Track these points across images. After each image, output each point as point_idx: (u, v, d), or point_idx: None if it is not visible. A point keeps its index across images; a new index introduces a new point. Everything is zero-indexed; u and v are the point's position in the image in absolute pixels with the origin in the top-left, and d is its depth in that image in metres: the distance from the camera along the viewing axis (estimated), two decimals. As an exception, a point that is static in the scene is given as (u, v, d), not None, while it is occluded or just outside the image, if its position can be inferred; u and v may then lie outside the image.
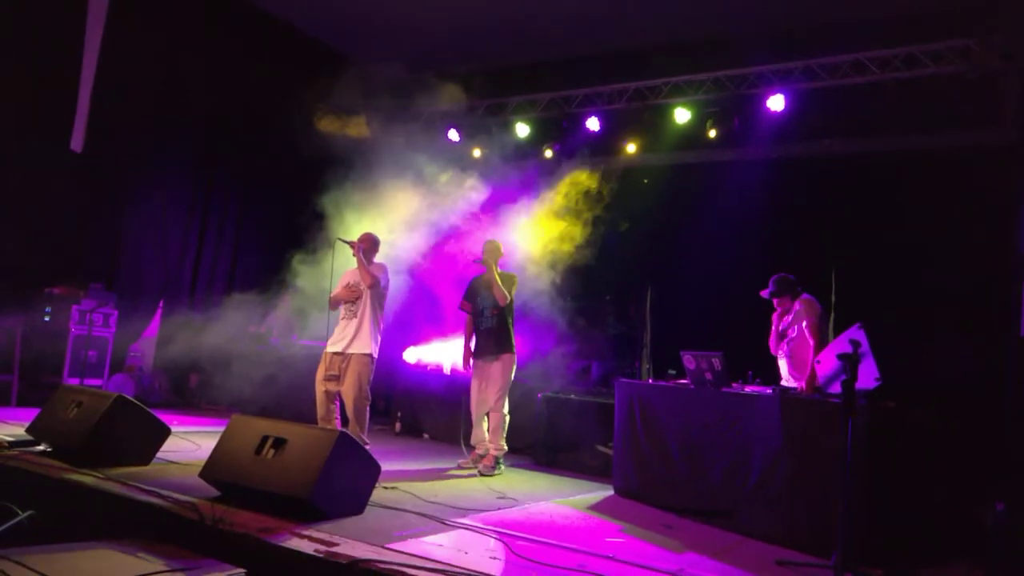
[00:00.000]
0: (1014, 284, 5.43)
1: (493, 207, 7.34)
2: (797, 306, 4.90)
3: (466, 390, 5.84)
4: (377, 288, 5.36)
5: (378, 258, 5.65)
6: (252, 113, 8.63)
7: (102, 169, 7.48)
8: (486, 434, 5.66)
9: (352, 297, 5.37)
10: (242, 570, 2.91)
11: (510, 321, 5.74)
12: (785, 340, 4.97)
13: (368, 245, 5.54)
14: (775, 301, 5.03)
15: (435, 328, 7.93)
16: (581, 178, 7.32)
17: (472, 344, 5.80)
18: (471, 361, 5.78)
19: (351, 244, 5.46)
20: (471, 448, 5.78)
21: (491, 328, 5.66)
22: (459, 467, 5.61)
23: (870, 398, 3.68)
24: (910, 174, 6.65)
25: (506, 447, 5.68)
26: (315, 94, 7.74)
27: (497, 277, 5.64)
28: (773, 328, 5.07)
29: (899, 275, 6.41)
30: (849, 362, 3.33)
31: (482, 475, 5.38)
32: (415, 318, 7.92)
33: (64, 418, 4.53)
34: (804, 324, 4.73)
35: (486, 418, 5.69)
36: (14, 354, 6.55)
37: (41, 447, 4.55)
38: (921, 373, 5.20)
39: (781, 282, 4.97)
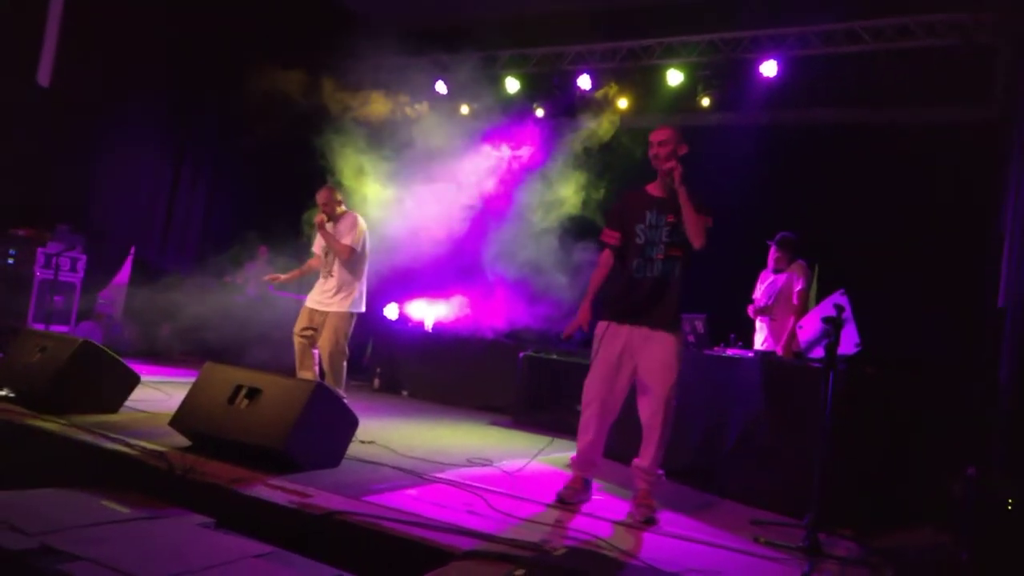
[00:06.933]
0: (995, 256, 5.46)
1: (480, 161, 7.22)
2: (793, 268, 5.03)
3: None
4: (352, 255, 5.08)
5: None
6: (231, 54, 8.30)
7: (71, 105, 7.14)
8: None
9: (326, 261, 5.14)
10: (211, 519, 2.84)
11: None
12: (767, 301, 5.09)
13: (330, 206, 5.09)
14: (773, 251, 5.24)
15: (425, 286, 7.82)
16: (570, 138, 7.21)
17: (599, 297, 3.65)
18: (606, 325, 3.55)
19: (315, 223, 5.09)
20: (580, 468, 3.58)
21: (662, 280, 3.48)
22: (560, 500, 3.47)
23: (850, 363, 3.69)
24: (898, 146, 6.63)
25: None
26: (298, 39, 7.47)
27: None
28: (762, 291, 5.17)
29: (882, 245, 6.44)
30: (833, 326, 3.31)
31: (646, 522, 3.29)
32: (408, 272, 7.77)
33: (27, 363, 4.37)
34: (797, 288, 4.89)
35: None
36: (-26, 298, 6.34)
37: (3, 392, 4.41)
38: (900, 341, 5.29)
39: (785, 239, 5.27)
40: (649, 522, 3.28)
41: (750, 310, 5.35)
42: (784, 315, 5.10)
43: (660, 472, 3.48)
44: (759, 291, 5.39)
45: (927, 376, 4.40)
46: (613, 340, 3.49)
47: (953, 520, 3.50)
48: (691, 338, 4.49)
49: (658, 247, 3.48)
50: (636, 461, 3.48)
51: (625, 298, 3.52)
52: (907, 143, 6.56)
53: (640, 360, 3.46)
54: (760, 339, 5.30)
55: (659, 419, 3.38)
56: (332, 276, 5.10)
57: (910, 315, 5.87)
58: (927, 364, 4.91)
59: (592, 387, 3.50)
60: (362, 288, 5.22)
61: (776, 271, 5.25)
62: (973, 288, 5.82)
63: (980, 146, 6.07)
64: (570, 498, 3.48)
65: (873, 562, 3.09)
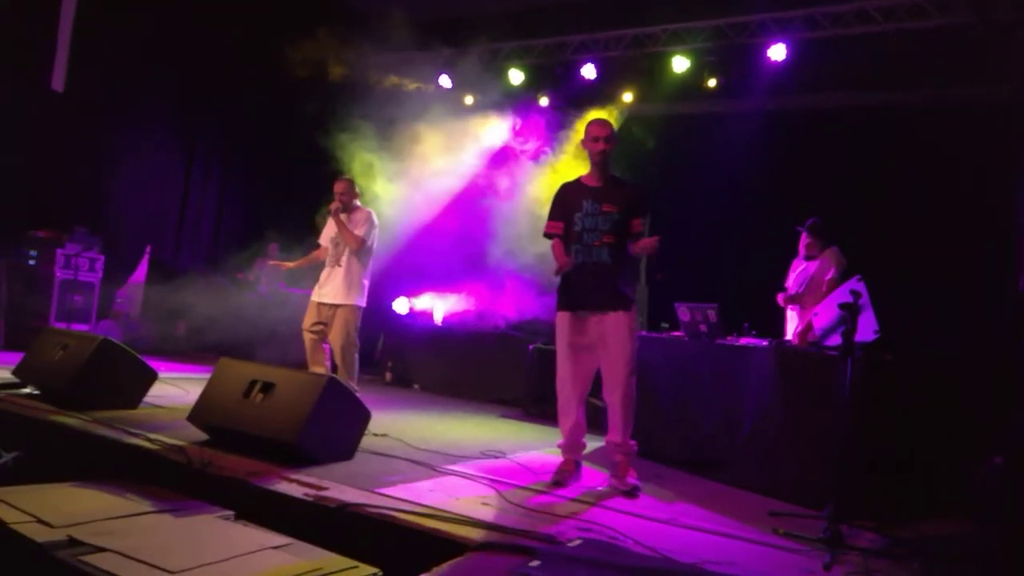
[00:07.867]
0: (1015, 239, 5.38)
1: (486, 154, 7.21)
2: (826, 254, 4.89)
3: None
4: (362, 246, 5.12)
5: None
6: (241, 54, 8.34)
7: (84, 109, 7.25)
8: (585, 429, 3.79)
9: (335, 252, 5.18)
10: (230, 512, 2.89)
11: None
12: (797, 288, 4.98)
13: (347, 196, 5.14)
14: (804, 238, 5.05)
15: (434, 280, 7.85)
16: (576, 128, 7.17)
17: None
18: (560, 315, 3.78)
19: (330, 209, 5.13)
20: (569, 452, 3.77)
21: (601, 265, 3.63)
22: (555, 483, 3.62)
23: (867, 350, 3.64)
24: (912, 129, 6.53)
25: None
26: (306, 36, 7.48)
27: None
28: (793, 279, 5.07)
29: (899, 230, 6.35)
30: (850, 312, 3.27)
31: (628, 493, 3.53)
32: (416, 266, 7.80)
33: (50, 360, 4.47)
34: (827, 276, 4.76)
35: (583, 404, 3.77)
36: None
37: (27, 389, 4.51)
38: (920, 327, 5.19)
39: (816, 225, 5.07)
40: (633, 492, 3.51)
41: (780, 298, 5.17)
42: (813, 303, 4.86)
43: (632, 443, 3.68)
44: (791, 279, 5.23)
45: (947, 362, 4.32)
46: (569, 328, 3.71)
47: (979, 509, 3.44)
48: (703, 327, 4.47)
49: (594, 234, 3.65)
50: (608, 437, 3.71)
51: (571, 286, 3.71)
52: (922, 126, 6.45)
53: (595, 344, 3.67)
54: (792, 328, 5.12)
55: (618, 396, 3.60)
56: (340, 266, 5.12)
57: (928, 300, 5.77)
58: (947, 349, 4.84)
59: (561, 374, 3.75)
60: (366, 280, 5.25)
61: (808, 258, 5.04)
62: (992, 272, 5.73)
63: (998, 127, 5.95)
64: (565, 480, 3.68)
65: (898, 553, 3.00)
